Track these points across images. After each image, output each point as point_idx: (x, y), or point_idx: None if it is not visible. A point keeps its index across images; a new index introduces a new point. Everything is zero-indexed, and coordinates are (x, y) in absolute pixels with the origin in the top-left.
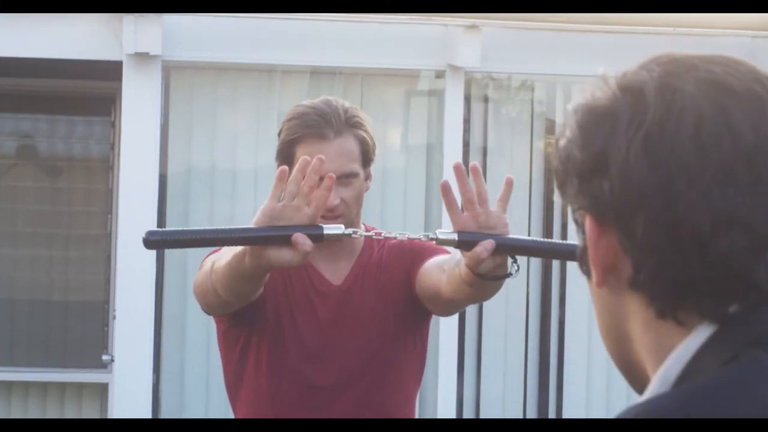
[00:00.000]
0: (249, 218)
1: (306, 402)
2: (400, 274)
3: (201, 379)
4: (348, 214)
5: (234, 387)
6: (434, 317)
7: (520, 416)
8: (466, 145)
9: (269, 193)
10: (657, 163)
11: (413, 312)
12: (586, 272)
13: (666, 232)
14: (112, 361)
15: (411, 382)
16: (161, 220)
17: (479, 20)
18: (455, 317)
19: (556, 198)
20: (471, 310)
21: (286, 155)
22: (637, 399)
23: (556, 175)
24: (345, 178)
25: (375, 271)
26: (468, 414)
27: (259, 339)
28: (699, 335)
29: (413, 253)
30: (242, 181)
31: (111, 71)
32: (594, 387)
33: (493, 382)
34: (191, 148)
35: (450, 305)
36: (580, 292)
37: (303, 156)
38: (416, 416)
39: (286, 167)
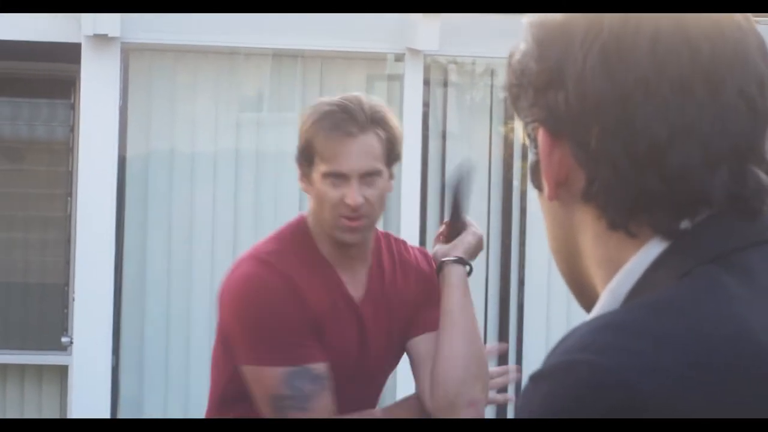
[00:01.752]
0: (207, 201)
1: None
2: (414, 307)
3: (160, 361)
4: (372, 215)
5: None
6: None
7: None
8: (425, 129)
9: None
10: (614, 75)
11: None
12: (538, 186)
13: (621, 143)
14: (72, 343)
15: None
16: (120, 203)
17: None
18: None
19: (516, 182)
20: None
21: (307, 155)
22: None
23: (509, 90)
24: (368, 177)
25: (389, 282)
26: None
27: None
28: (651, 250)
29: (429, 300)
30: (201, 165)
31: (71, 53)
32: None
33: None
34: (150, 130)
35: None
36: (539, 275)
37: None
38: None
39: None
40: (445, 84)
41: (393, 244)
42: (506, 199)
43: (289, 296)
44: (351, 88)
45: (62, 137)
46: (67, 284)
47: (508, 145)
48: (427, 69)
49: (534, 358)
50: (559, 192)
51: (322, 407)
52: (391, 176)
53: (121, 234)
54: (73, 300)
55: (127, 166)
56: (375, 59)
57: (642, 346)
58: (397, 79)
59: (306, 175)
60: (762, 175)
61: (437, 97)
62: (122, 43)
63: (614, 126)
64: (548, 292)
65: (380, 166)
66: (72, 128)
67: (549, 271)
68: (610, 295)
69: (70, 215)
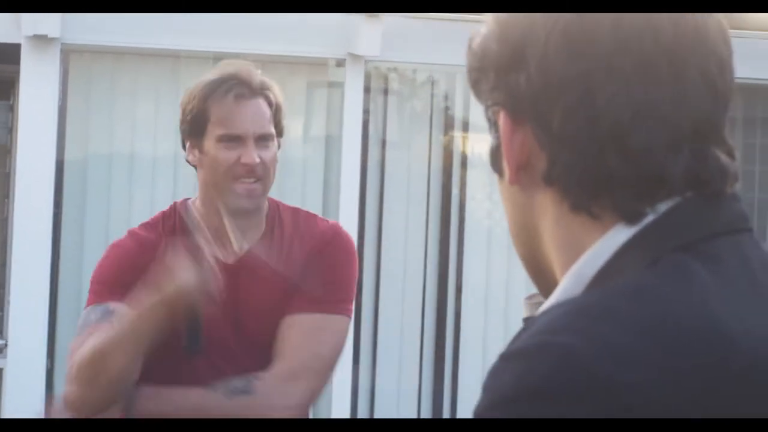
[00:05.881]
0: (146, 205)
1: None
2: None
3: None
4: (265, 179)
5: None
6: None
7: (415, 407)
8: (365, 137)
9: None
10: (577, 54)
11: None
12: (498, 170)
13: (584, 124)
14: (6, 345)
15: None
16: (58, 206)
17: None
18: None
19: (455, 191)
20: (367, 299)
21: (199, 123)
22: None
23: (469, 74)
24: (263, 141)
25: (280, 250)
26: (363, 404)
27: None
28: (617, 235)
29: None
30: (140, 168)
31: (10, 54)
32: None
33: (389, 372)
34: (89, 133)
35: None
36: (476, 282)
37: (217, 125)
38: None
39: None
40: (386, 92)
41: (300, 217)
42: (445, 207)
43: (131, 253)
44: (292, 93)
45: (0, 139)
46: (2, 287)
47: (447, 154)
48: (367, 76)
49: (470, 364)
50: (520, 176)
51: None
52: (279, 147)
53: (58, 237)
54: (9, 303)
55: (65, 168)
56: (316, 64)
57: (615, 332)
58: (337, 85)
59: (196, 145)
60: (723, 156)
61: (378, 104)
62: (62, 44)
63: (576, 106)
64: (486, 298)
65: (272, 130)
66: (10, 130)
67: (486, 278)
68: (574, 278)
69: (6, 218)
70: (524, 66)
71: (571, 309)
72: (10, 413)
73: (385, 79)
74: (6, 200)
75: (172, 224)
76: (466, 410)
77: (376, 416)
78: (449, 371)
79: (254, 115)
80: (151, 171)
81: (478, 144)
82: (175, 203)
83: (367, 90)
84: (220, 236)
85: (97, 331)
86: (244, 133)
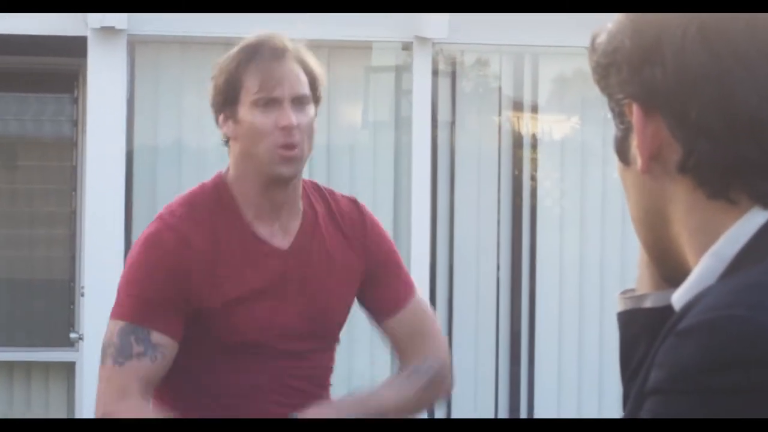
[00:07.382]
0: None
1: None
2: (359, 259)
3: None
4: (303, 145)
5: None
6: None
7: (492, 387)
8: (434, 121)
9: None
10: (714, 50)
11: (354, 288)
12: (624, 159)
13: (722, 116)
14: (80, 339)
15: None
16: (128, 197)
17: None
18: (426, 292)
19: (525, 172)
20: (441, 283)
21: (232, 93)
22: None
23: (595, 69)
24: (299, 103)
25: (327, 232)
26: None
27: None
28: (754, 218)
29: (383, 259)
30: (209, 157)
31: (73, 47)
32: (565, 355)
33: (465, 355)
34: (158, 123)
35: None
36: (550, 263)
37: (254, 82)
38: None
39: None
40: (454, 74)
41: (327, 196)
42: (516, 188)
43: (174, 263)
44: (358, 78)
45: (66, 132)
46: (72, 280)
47: (517, 135)
48: (435, 59)
49: (546, 348)
50: (652, 164)
51: (136, 371)
52: (316, 115)
53: (130, 228)
54: (82, 296)
55: (135, 159)
56: (382, 48)
57: None
58: (404, 69)
59: (230, 116)
60: None
61: (446, 87)
62: (129, 35)
63: (715, 101)
64: (560, 279)
65: (308, 92)
66: (75, 123)
67: (560, 255)
68: (713, 258)
69: (74, 211)
70: (660, 61)
71: (737, 286)
72: (86, 406)
73: (453, 61)
74: (73, 193)
75: (221, 202)
76: (542, 394)
77: (453, 400)
78: (525, 355)
79: (288, 77)
80: (220, 160)
81: (547, 124)
82: (218, 176)
83: (435, 73)
84: (260, 213)
85: (137, 371)
86: (280, 95)
